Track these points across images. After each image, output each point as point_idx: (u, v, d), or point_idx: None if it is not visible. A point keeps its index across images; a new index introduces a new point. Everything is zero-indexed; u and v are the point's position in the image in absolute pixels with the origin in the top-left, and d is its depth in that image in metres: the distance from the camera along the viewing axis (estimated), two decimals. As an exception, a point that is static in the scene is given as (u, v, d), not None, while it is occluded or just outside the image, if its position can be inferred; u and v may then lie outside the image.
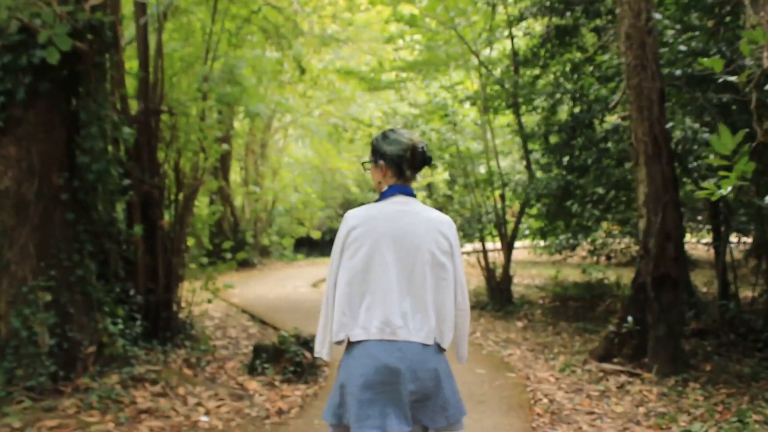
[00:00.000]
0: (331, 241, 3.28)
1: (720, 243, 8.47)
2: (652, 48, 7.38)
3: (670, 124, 7.43)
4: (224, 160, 18.34)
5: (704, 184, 3.90)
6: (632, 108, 7.50)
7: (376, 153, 3.22)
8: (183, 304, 8.32)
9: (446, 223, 3.19)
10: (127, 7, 8.85)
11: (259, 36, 11.41)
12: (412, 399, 2.97)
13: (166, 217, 7.93)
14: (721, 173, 3.83)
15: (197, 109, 8.24)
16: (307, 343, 7.10)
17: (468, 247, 12.58)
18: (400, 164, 3.15)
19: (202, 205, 21.43)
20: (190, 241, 18.89)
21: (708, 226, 11.31)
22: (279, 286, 13.98)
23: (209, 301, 8.61)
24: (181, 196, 7.96)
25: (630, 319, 7.42)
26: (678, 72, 7.63)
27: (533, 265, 16.74)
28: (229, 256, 9.20)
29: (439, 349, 3.08)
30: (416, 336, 3.00)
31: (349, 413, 2.99)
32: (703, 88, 7.67)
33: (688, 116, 7.83)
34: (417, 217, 3.13)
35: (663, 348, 7.22)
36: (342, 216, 3.48)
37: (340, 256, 3.13)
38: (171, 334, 7.76)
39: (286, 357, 6.94)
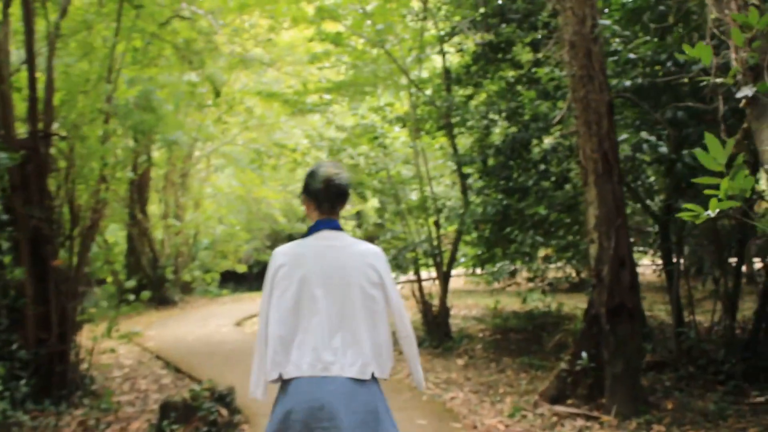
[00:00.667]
0: (259, 274, 3.45)
1: (673, 266, 7.85)
2: (599, 57, 6.76)
3: (623, 136, 6.80)
4: (141, 191, 17.26)
5: (688, 206, 3.18)
6: (579, 123, 6.85)
7: (304, 187, 3.27)
8: (83, 355, 7.32)
9: (375, 254, 3.23)
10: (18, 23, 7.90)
11: (170, 52, 10.49)
12: None
13: (62, 255, 6.95)
14: (708, 192, 3.13)
15: (96, 133, 7.28)
16: (224, 398, 6.21)
17: (402, 278, 11.79)
18: (319, 199, 3.20)
19: (119, 239, 20.31)
20: (109, 278, 17.74)
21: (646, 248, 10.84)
22: (200, 326, 12.95)
23: (112, 351, 7.65)
24: (77, 231, 6.98)
25: (584, 355, 6.72)
26: (627, 83, 7.05)
27: (469, 295, 16.05)
28: (132, 297, 8.18)
29: (376, 382, 3.10)
30: (349, 371, 3.01)
31: None
32: (654, 100, 7.11)
33: (637, 131, 7.25)
34: (345, 252, 3.18)
35: (621, 386, 6.52)
36: (270, 248, 3.83)
37: (270, 294, 3.16)
38: (67, 392, 6.76)
39: (198, 415, 5.99)
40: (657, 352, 8.04)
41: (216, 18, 13.89)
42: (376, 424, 2.98)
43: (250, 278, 36.42)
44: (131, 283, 8.42)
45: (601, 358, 6.66)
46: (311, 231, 3.24)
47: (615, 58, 7.17)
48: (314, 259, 3.14)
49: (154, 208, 18.69)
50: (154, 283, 17.18)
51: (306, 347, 3.04)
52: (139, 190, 17.27)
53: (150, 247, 17.37)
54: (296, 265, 3.13)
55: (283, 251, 3.21)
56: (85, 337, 7.50)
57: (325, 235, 3.21)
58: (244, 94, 16.03)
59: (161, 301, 17.06)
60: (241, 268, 21.24)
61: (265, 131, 18.49)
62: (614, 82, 7.15)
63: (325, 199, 3.20)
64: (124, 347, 10.97)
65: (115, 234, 22.57)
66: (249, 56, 18.50)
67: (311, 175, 3.26)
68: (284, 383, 3.06)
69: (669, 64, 6.86)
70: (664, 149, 6.55)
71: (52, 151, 7.00)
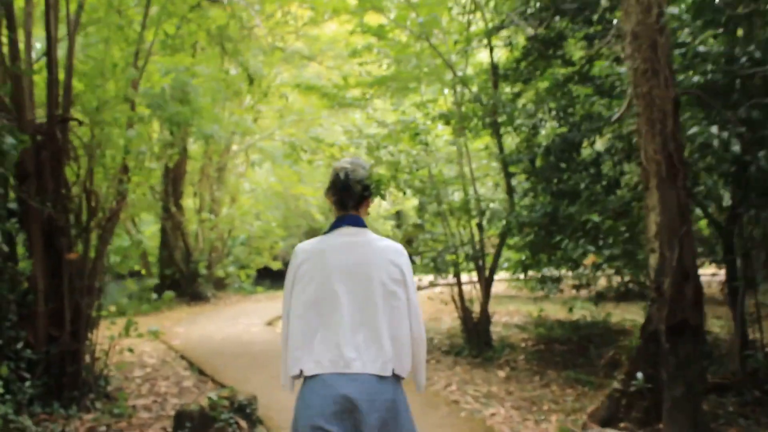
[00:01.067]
0: None
1: (740, 282, 7.17)
2: (665, 50, 6.12)
3: (692, 129, 6.15)
4: (176, 184, 16.90)
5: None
6: (641, 121, 6.23)
7: (329, 185, 3.27)
8: (98, 355, 6.88)
9: (397, 251, 3.20)
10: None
11: (204, 40, 10.03)
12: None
13: (78, 248, 6.50)
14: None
15: (119, 119, 6.81)
16: (244, 408, 5.73)
17: (440, 281, 11.16)
18: (335, 195, 3.22)
19: (154, 232, 20.02)
20: (143, 271, 17.42)
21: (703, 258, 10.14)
22: (230, 325, 12.50)
23: (130, 350, 7.18)
24: (94, 223, 6.53)
25: (640, 375, 6.10)
26: (695, 78, 6.40)
27: (510, 300, 15.39)
28: (154, 296, 7.72)
29: (397, 380, 3.09)
30: (371, 368, 3.00)
31: None
32: (725, 98, 6.45)
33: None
34: (366, 248, 3.17)
35: (681, 411, 5.89)
36: None
37: (291, 290, 3.19)
38: (79, 394, 6.32)
39: (215, 427, 5.51)
40: (717, 373, 7.36)
41: (253, 7, 13.47)
42: (395, 422, 2.99)
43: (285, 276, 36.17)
44: (152, 282, 7.91)
45: (659, 379, 6.04)
46: (333, 227, 3.23)
47: (682, 51, 6.52)
48: (335, 255, 3.14)
49: (189, 202, 18.31)
50: (187, 278, 16.82)
51: (328, 344, 3.04)
52: (173, 182, 16.91)
53: (184, 242, 17.01)
54: (318, 261, 3.14)
55: (304, 248, 3.22)
56: (102, 336, 7.07)
57: (346, 231, 3.20)
58: (283, 87, 15.57)
59: (193, 296, 16.69)
60: (276, 265, 20.80)
61: (304, 127, 18.02)
62: (681, 77, 6.51)
63: (337, 193, 3.22)
64: (149, 345, 10.56)
65: (149, 227, 22.37)
66: (289, 50, 18.11)
67: (332, 172, 3.30)
68: (306, 379, 3.05)
69: (743, 58, 6.21)
70: (737, 148, 5.89)
71: (72, 138, 6.54)
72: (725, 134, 5.88)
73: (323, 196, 3.50)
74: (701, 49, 6.33)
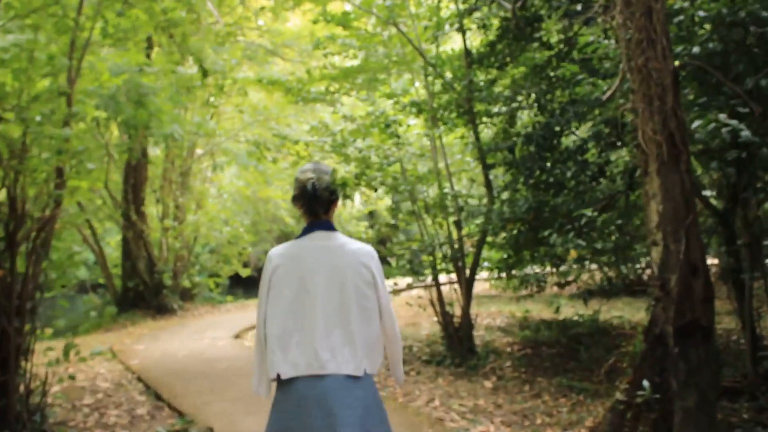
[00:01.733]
0: None
1: (747, 274, 6.49)
2: (661, 16, 5.43)
3: (695, 124, 5.50)
4: (136, 190, 16.03)
5: None
6: (637, 98, 5.52)
7: (294, 193, 3.38)
8: (36, 384, 6.08)
9: (367, 254, 3.31)
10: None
11: (150, 30, 9.22)
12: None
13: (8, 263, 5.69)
14: None
15: (49, 115, 6.00)
16: (197, 444, 4.95)
17: (416, 283, 10.38)
18: (302, 202, 3.32)
19: (114, 243, 19.10)
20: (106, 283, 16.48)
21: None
22: (194, 340, 11.67)
23: (71, 377, 6.39)
24: (21, 234, 5.72)
25: (647, 384, 5.41)
26: (695, 48, 5.73)
27: (491, 301, 14.69)
28: (93, 314, 6.91)
29: (369, 378, 3.18)
30: (345, 369, 3.10)
31: None
32: (728, 69, 5.79)
33: (703, 109, 5.92)
34: (338, 251, 3.27)
35: (694, 423, 5.19)
36: None
37: (267, 295, 3.24)
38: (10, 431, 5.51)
39: (162, 468, 4.75)
40: (727, 376, 6.70)
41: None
42: (367, 419, 3.05)
43: (258, 283, 35.23)
44: (98, 300, 7.01)
45: (668, 388, 5.35)
46: (304, 232, 3.34)
47: (680, 18, 5.84)
48: (309, 259, 3.24)
49: (152, 209, 17.43)
50: (152, 290, 15.95)
51: (305, 346, 3.11)
52: (133, 189, 16.03)
53: (147, 251, 16.12)
54: (292, 265, 3.23)
55: (278, 252, 3.31)
56: (42, 361, 6.27)
57: (318, 236, 3.31)
58: (245, 83, 14.73)
59: (159, 309, 15.81)
60: (246, 272, 19.94)
61: (271, 126, 17.21)
62: (679, 48, 5.83)
63: (306, 203, 3.31)
64: (105, 365, 9.73)
65: (114, 236, 21.44)
66: (252, 46, 17.35)
67: (296, 180, 3.39)
68: (281, 383, 3.13)
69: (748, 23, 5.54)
70: (746, 133, 5.20)
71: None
72: (735, 122, 5.18)
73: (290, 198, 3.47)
74: (701, 13, 5.67)
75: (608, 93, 6.10)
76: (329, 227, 3.36)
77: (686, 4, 5.80)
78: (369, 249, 3.37)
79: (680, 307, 5.30)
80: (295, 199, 3.38)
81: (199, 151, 18.78)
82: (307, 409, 3.02)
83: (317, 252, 3.26)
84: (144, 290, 16.07)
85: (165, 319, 15.10)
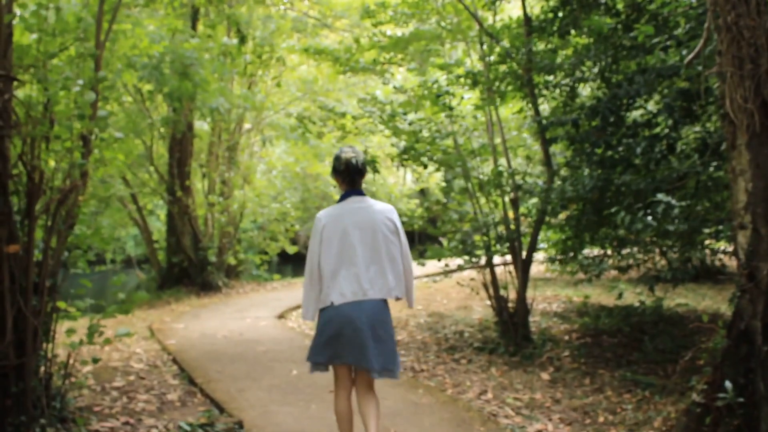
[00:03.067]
0: None
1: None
2: (754, -34, 4.78)
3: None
4: (181, 165, 15.66)
5: None
6: (725, 61, 4.87)
7: (333, 168, 4.70)
8: (56, 368, 5.67)
9: (390, 210, 4.66)
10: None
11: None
12: (370, 341, 4.35)
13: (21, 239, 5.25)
14: None
15: (72, 79, 5.53)
16: (224, 441, 4.47)
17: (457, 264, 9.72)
18: (343, 176, 4.63)
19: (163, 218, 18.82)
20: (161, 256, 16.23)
21: None
22: (236, 319, 11.25)
23: (95, 360, 5.96)
24: (39, 206, 5.27)
25: (729, 385, 4.77)
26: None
27: (546, 284, 13.99)
28: (122, 296, 6.49)
29: (386, 303, 4.54)
30: (379, 294, 4.47)
31: (326, 350, 4.42)
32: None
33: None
34: (369, 210, 4.57)
35: (785, 433, 4.58)
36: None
37: (319, 246, 4.48)
38: (27, 419, 5.09)
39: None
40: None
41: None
42: (382, 327, 4.43)
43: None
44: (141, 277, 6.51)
45: (754, 391, 4.72)
46: (343, 197, 4.64)
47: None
48: (348, 216, 4.52)
49: (198, 185, 17.08)
50: (196, 267, 15.61)
51: (351, 279, 4.42)
52: (179, 164, 15.66)
53: (192, 227, 15.76)
54: (336, 222, 4.50)
55: (324, 214, 4.58)
56: (60, 344, 5.86)
57: (354, 200, 4.61)
58: (292, 52, 14.22)
59: (203, 286, 15.47)
60: (293, 250, 19.51)
61: (318, 100, 16.68)
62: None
63: (347, 176, 4.62)
64: (143, 344, 9.37)
65: (156, 213, 21.22)
66: (301, 18, 16.87)
67: (336, 159, 4.67)
68: (329, 308, 4.42)
69: None
70: None
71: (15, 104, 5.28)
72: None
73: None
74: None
75: (690, 56, 5.42)
76: (361, 193, 4.64)
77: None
78: (391, 207, 4.68)
79: (771, 299, 4.65)
80: (336, 172, 4.66)
81: (246, 125, 18.38)
82: (351, 320, 4.35)
83: (354, 212, 4.54)
84: (189, 267, 15.76)
85: (209, 297, 14.74)
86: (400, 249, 4.57)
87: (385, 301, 4.49)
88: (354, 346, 4.33)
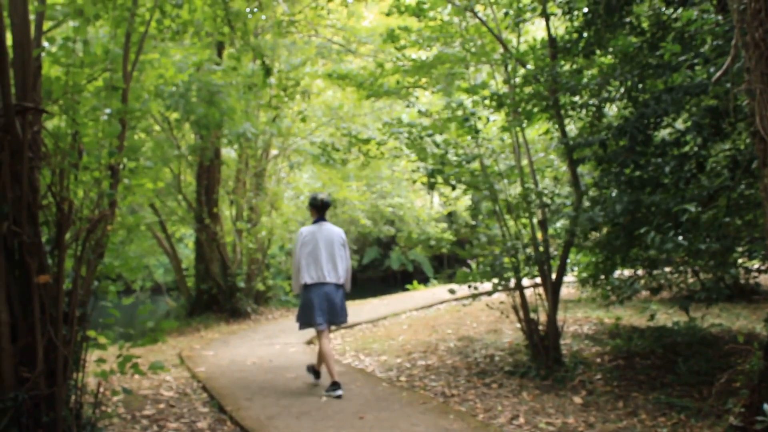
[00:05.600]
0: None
1: None
2: (782, -18, 4.72)
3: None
4: (209, 192, 15.76)
5: None
6: (754, 78, 4.81)
7: (309, 203, 8.30)
8: (88, 397, 5.68)
9: (341, 232, 8.15)
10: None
11: (207, 21, 8.80)
12: (330, 308, 7.82)
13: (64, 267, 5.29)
14: None
15: (98, 109, 5.59)
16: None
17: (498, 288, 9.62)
18: (319, 209, 8.14)
19: (192, 245, 18.88)
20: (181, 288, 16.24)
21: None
22: (265, 345, 11.24)
23: (127, 392, 5.96)
24: (69, 236, 5.31)
25: (767, 408, 4.67)
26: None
27: (576, 305, 13.85)
28: (150, 324, 6.51)
29: (341, 285, 7.98)
30: (334, 279, 7.85)
31: (309, 317, 7.83)
32: None
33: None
34: (330, 230, 8.02)
35: (827, 457, 4.46)
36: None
37: (300, 248, 7.93)
38: (56, 449, 5.10)
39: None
40: None
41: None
42: (341, 303, 7.91)
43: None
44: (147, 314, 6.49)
45: (792, 413, 4.61)
46: (316, 221, 8.13)
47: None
48: (318, 233, 7.96)
49: (225, 212, 17.16)
50: (225, 293, 15.66)
51: (317, 269, 7.82)
52: (206, 191, 15.77)
53: (220, 253, 15.83)
54: (311, 235, 7.95)
55: (305, 229, 8.11)
56: (90, 374, 5.88)
57: (322, 223, 8.08)
58: (315, 77, 14.30)
59: (232, 312, 15.50)
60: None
61: (342, 127, 16.74)
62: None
63: (321, 209, 8.15)
64: (173, 372, 9.40)
65: (184, 241, 21.33)
66: (325, 44, 16.96)
67: (314, 198, 8.21)
68: (306, 286, 7.87)
69: None
70: None
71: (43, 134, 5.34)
72: None
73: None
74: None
75: (718, 74, 5.37)
76: (325, 219, 8.13)
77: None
78: (341, 230, 8.20)
79: (808, 319, 4.56)
80: (314, 207, 8.16)
81: (273, 151, 18.48)
82: (320, 295, 7.78)
83: (321, 230, 7.98)
84: (217, 293, 15.80)
85: (238, 323, 14.77)
86: (345, 255, 8.06)
87: (336, 284, 7.90)
88: (322, 313, 7.81)
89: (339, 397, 7.43)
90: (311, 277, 7.77)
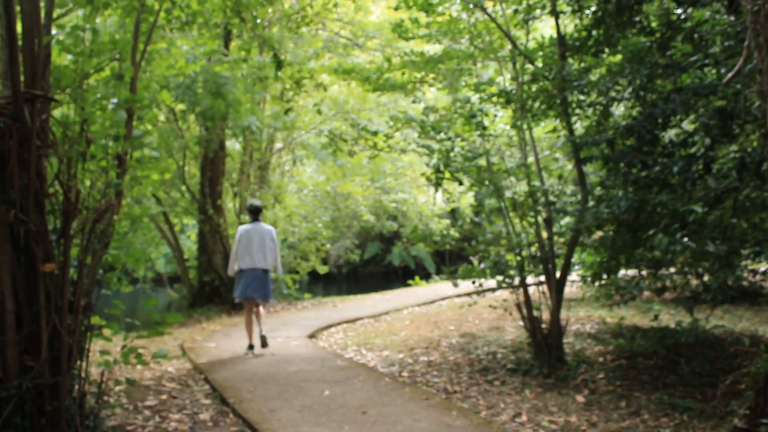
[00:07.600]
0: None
1: None
2: (796, -17, 4.70)
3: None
4: (213, 184, 15.76)
5: None
6: (765, 79, 4.80)
7: (247, 208, 10.83)
8: (91, 387, 5.68)
9: (272, 229, 10.56)
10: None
11: (217, 12, 8.77)
12: (260, 286, 10.17)
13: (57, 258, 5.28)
14: None
15: (105, 98, 5.57)
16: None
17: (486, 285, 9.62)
18: (254, 212, 10.56)
19: (194, 237, 18.87)
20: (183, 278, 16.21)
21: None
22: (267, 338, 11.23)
23: (129, 382, 5.95)
24: (76, 225, 5.31)
25: (772, 411, 4.66)
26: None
27: (579, 304, 13.83)
28: (156, 317, 6.50)
29: (268, 270, 10.34)
30: (264, 266, 10.25)
31: (244, 291, 10.12)
32: None
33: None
34: (262, 228, 10.37)
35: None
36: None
37: (238, 242, 10.24)
38: (59, 438, 5.10)
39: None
40: None
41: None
42: (268, 284, 10.30)
43: (339, 278, 34.84)
44: (152, 302, 6.49)
45: (798, 416, 4.60)
46: (251, 221, 10.50)
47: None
48: (253, 231, 10.29)
49: (229, 204, 17.16)
50: (227, 285, 15.64)
51: (251, 257, 10.16)
52: (210, 183, 15.77)
53: (223, 246, 15.83)
54: (247, 232, 10.27)
55: (242, 227, 10.49)
56: (93, 363, 5.87)
57: (256, 223, 10.42)
58: (320, 71, 14.27)
59: (234, 305, 15.43)
60: (324, 269, 19.53)
61: (349, 119, 16.73)
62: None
63: (256, 213, 10.54)
64: (175, 363, 9.40)
65: (187, 233, 21.31)
66: (332, 37, 16.94)
67: (251, 205, 10.66)
68: (242, 270, 10.22)
69: None
70: None
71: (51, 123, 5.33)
72: None
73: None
74: None
75: (729, 75, 5.35)
76: (259, 220, 10.46)
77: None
78: (273, 228, 10.66)
79: (815, 322, 4.55)
80: (250, 211, 10.57)
81: (278, 144, 18.46)
82: (251, 279, 10.09)
83: (255, 228, 10.29)
84: (220, 285, 15.81)
85: (240, 316, 14.72)
86: (274, 247, 10.29)
87: (265, 270, 10.15)
88: (252, 288, 9.98)
89: (253, 355, 9.84)
90: (246, 264, 10.09)
